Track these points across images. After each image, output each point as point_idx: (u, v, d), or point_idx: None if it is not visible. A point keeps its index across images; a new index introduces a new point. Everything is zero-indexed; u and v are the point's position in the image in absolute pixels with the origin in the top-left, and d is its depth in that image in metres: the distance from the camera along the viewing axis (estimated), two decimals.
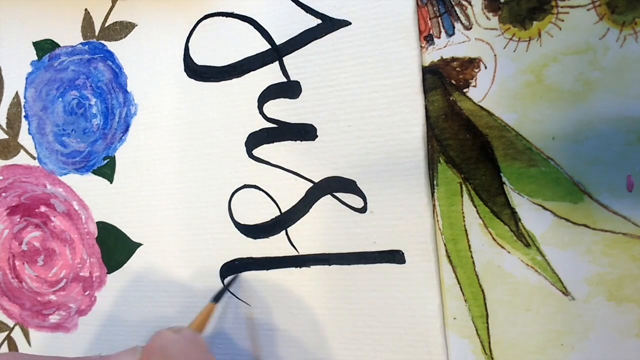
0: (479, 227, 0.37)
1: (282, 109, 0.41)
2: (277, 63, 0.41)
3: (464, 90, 0.37)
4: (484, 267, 0.37)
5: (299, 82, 0.41)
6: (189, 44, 0.44)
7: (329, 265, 0.41)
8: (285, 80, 0.41)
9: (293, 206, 0.41)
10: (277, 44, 0.41)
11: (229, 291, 0.44)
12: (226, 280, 0.43)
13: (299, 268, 0.42)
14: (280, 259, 0.42)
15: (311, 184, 0.41)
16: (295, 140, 0.41)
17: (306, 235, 0.41)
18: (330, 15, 0.39)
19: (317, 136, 0.40)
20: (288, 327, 0.42)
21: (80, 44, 0.48)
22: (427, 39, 0.38)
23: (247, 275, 0.43)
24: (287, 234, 0.42)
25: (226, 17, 0.43)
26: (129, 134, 0.47)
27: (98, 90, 0.47)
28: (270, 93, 0.42)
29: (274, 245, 0.42)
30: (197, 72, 0.44)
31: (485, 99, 0.36)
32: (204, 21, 0.43)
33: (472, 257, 0.37)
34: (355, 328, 0.40)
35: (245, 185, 0.43)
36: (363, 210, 0.39)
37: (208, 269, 0.44)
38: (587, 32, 0.34)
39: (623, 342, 0.35)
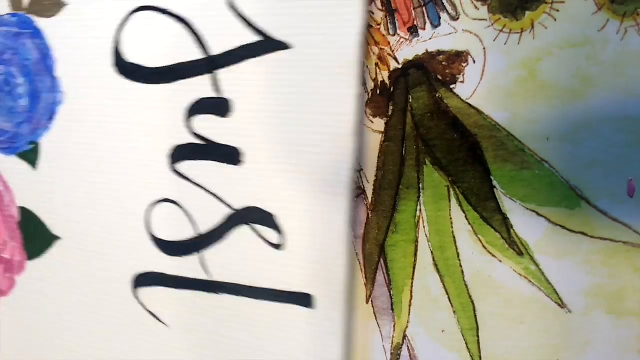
0: (468, 234, 0.36)
1: (210, 126, 0.40)
2: (210, 75, 0.40)
3: (451, 87, 0.36)
4: (473, 276, 0.36)
5: (230, 101, 0.39)
6: (120, 37, 0.42)
7: (238, 296, 0.41)
8: (216, 95, 0.40)
9: (211, 230, 0.41)
10: (213, 54, 0.39)
11: (142, 305, 0.44)
12: None
13: (208, 293, 0.42)
14: (192, 280, 0.42)
15: (231, 210, 0.40)
16: (220, 162, 0.40)
17: (220, 262, 0.42)
18: (271, 34, 0.38)
19: (241, 162, 0.40)
20: (192, 349, 0.43)
21: (9, 14, 0.46)
22: (411, 30, 0.36)
23: (159, 291, 0.43)
24: (201, 256, 0.42)
25: (161, 13, 0.41)
26: (54, 122, 0.46)
27: (25, 70, 0.46)
28: (200, 107, 0.40)
29: (188, 266, 0.42)
30: (126, 69, 0.42)
31: (474, 95, 0.35)
32: (137, 13, 0.41)
33: (461, 266, 0.37)
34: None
35: (165, 199, 0.42)
36: (279, 246, 0.39)
37: (121, 276, 0.45)
38: (584, 23, 0.33)
39: (623, 358, 0.34)
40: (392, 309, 0.38)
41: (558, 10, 0.33)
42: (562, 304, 0.34)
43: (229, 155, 0.40)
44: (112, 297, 0.45)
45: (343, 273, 0.38)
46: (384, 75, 0.37)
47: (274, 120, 0.38)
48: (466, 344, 0.37)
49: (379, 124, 0.38)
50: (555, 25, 0.33)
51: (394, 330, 0.39)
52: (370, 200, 0.38)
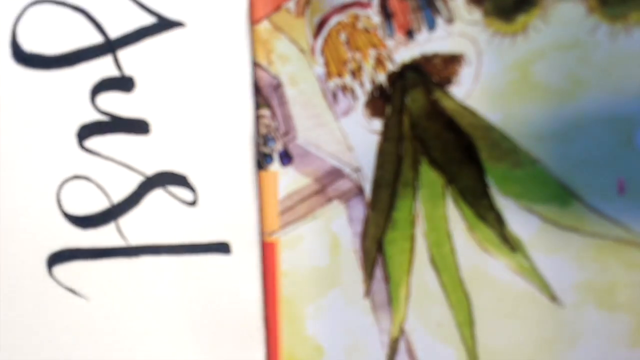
0: (463, 231, 0.37)
1: (115, 102, 0.42)
2: (110, 56, 0.42)
3: (447, 88, 0.36)
4: (468, 272, 0.37)
5: (132, 77, 0.42)
6: (17, 30, 0.44)
7: (159, 255, 0.43)
8: (119, 74, 0.42)
9: (124, 198, 0.43)
10: (112, 37, 0.42)
11: (58, 283, 0.45)
12: None
13: (128, 258, 0.43)
14: (110, 249, 0.44)
15: (143, 177, 0.42)
16: (128, 133, 0.42)
17: (137, 226, 0.43)
18: (164, 14, 0.41)
19: (149, 131, 0.42)
20: (115, 316, 0.44)
21: None
22: (407, 34, 0.37)
23: (75, 266, 0.44)
24: (117, 224, 0.43)
25: (57, 4, 0.43)
26: None
27: None
28: (103, 85, 0.43)
29: (104, 236, 0.44)
30: (25, 59, 0.44)
31: (468, 97, 0.36)
32: (32, 7, 0.43)
33: (456, 262, 0.37)
34: (184, 315, 0.43)
35: (75, 176, 0.44)
36: (193, 203, 0.42)
37: (35, 257, 0.45)
38: (576, 26, 0.33)
39: (613, 352, 0.34)
40: (390, 304, 0.39)
41: (550, 14, 0.33)
42: (554, 299, 0.35)
43: (136, 126, 0.42)
44: (26, 279, 0.46)
45: (254, 218, 0.41)
46: (381, 78, 0.38)
47: (176, 91, 0.41)
48: (462, 337, 0.37)
49: (377, 124, 0.38)
50: (547, 29, 0.34)
51: (392, 324, 0.39)
52: (368, 198, 0.39)
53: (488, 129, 0.35)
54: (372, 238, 0.39)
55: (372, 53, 0.38)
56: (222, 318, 0.42)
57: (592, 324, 0.34)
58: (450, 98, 0.36)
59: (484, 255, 0.36)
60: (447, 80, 0.36)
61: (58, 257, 0.45)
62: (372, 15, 0.37)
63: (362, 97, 0.38)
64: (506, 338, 0.36)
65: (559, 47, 0.34)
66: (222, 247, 0.42)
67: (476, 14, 0.35)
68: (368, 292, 0.39)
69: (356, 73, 0.38)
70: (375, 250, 0.39)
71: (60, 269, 0.45)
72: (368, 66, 0.38)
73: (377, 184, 0.38)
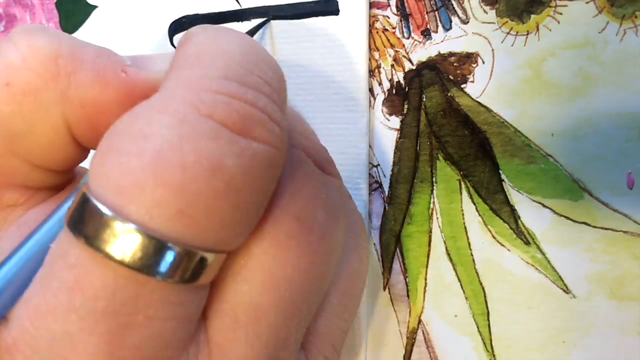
0: (478, 225, 0.37)
1: None
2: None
3: (462, 86, 0.37)
4: (484, 264, 0.37)
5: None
6: None
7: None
8: None
9: None
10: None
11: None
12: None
13: (241, 22, 0.42)
14: (224, 14, 0.43)
15: None
16: None
17: None
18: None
19: None
20: None
21: None
22: (424, 33, 0.37)
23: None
24: None
25: None
26: None
27: None
28: None
29: (219, 0, 0.43)
30: None
31: (483, 94, 0.36)
32: None
33: (472, 255, 0.37)
34: (289, 78, 0.41)
35: None
36: None
37: (158, 27, 0.44)
38: (586, 25, 0.34)
39: (624, 340, 0.34)
40: (408, 296, 0.39)
41: (561, 14, 0.34)
42: (566, 290, 0.35)
43: None
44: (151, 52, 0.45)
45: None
46: (399, 76, 0.38)
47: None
48: (477, 327, 0.37)
49: (395, 121, 0.38)
50: (558, 28, 0.34)
51: (410, 316, 0.39)
52: (386, 193, 0.39)
53: (502, 125, 0.36)
54: (390, 232, 0.39)
55: (390, 52, 0.38)
56: (331, 79, 0.40)
57: (603, 314, 0.35)
58: (466, 95, 0.37)
59: (499, 248, 0.37)
60: (462, 78, 0.37)
61: (179, 26, 0.44)
62: (391, 16, 0.38)
63: (380, 95, 0.39)
64: (520, 328, 0.36)
65: (570, 46, 0.34)
66: (329, 6, 0.39)
67: (490, 14, 0.36)
68: (387, 285, 0.40)
69: (375, 72, 0.39)
70: (393, 244, 0.39)
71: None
72: (387, 65, 0.39)
73: (395, 179, 0.39)
